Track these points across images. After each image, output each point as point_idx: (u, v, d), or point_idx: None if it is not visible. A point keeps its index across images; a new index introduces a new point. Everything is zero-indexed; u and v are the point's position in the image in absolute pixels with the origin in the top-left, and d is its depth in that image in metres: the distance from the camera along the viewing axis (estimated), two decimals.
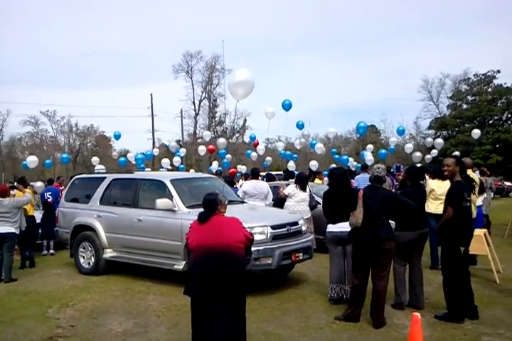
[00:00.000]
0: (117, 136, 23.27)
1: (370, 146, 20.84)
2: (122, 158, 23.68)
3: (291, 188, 8.66)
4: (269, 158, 21.65)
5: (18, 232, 7.92)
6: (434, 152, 22.13)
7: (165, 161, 20.24)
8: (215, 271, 3.83)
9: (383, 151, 20.10)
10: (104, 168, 15.29)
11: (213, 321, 3.82)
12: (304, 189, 8.60)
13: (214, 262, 3.86)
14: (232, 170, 18.47)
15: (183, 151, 21.01)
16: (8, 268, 7.74)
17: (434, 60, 63.98)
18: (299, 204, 8.48)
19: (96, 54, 72.61)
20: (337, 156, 18.73)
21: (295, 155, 22.92)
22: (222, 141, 19.66)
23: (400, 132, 24.07)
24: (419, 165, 14.56)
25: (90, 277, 7.75)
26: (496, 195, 20.20)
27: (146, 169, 15.18)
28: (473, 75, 40.61)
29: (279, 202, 8.92)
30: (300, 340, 4.79)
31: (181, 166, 22.86)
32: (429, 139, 22.81)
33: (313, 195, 9.07)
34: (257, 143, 22.35)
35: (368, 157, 16.96)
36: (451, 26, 67.68)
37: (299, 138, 19.43)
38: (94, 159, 21.87)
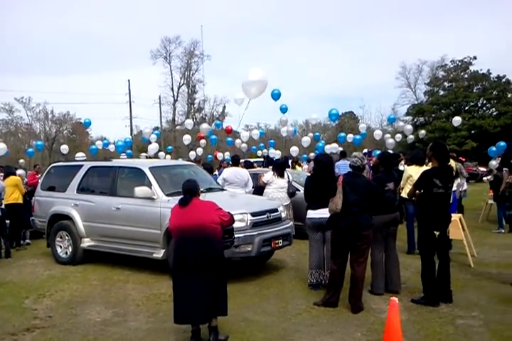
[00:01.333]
0: (87, 124, 22.86)
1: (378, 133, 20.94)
2: (93, 146, 23.14)
3: (269, 175, 8.67)
4: (244, 145, 21.54)
5: None
6: (411, 138, 22.36)
7: (152, 147, 19.66)
8: (190, 250, 4.25)
9: (358, 137, 20.26)
10: (84, 155, 15.07)
11: (189, 293, 4.23)
12: (281, 175, 8.62)
13: (190, 241, 4.27)
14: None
15: (153, 138, 20.57)
16: None
17: (413, 47, 64.32)
18: (277, 191, 8.51)
19: (72, 39, 70.99)
20: (320, 145, 18.82)
21: (272, 141, 22.91)
22: (205, 126, 19.53)
23: (391, 120, 24.36)
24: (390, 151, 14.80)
25: (68, 267, 7.66)
26: (470, 180, 20.57)
27: (122, 156, 15.01)
28: (450, 61, 40.99)
29: (259, 189, 8.94)
30: (280, 326, 4.83)
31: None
32: (409, 126, 22.94)
33: (292, 182, 9.09)
34: (230, 130, 22.00)
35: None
36: (430, 12, 68.05)
37: (280, 124, 19.40)
38: (63, 147, 21.41)
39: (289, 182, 8.69)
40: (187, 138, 22.24)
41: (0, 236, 8.73)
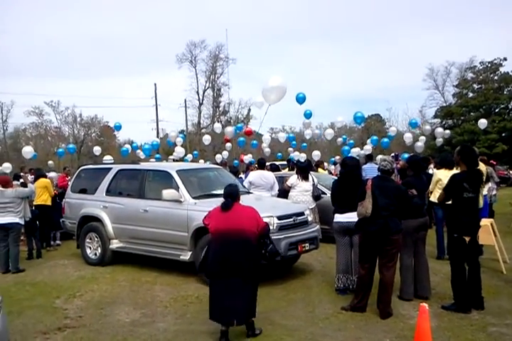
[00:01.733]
0: (118, 127, 23.22)
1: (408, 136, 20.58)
2: (125, 148, 23.64)
3: (293, 179, 8.64)
4: (267, 150, 21.53)
5: (22, 223, 7.95)
6: (439, 141, 21.95)
7: (179, 150, 19.99)
8: (229, 252, 4.42)
9: (386, 140, 19.99)
10: (112, 158, 15.34)
11: (225, 295, 4.43)
12: (305, 178, 8.55)
13: (229, 244, 4.44)
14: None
15: (178, 141, 20.79)
16: (15, 259, 7.79)
17: (440, 48, 63.35)
18: (302, 194, 8.43)
19: (100, 44, 72.35)
20: (346, 148, 18.63)
21: (304, 144, 22.78)
22: (229, 129, 19.64)
23: (413, 125, 23.87)
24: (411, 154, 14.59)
25: (97, 268, 7.80)
26: (501, 184, 20.08)
27: (151, 160, 15.22)
28: (480, 63, 40.14)
29: (284, 192, 8.91)
30: (307, 330, 4.80)
31: (186, 158, 22.81)
32: (440, 129, 22.49)
33: (318, 185, 9.01)
34: (250, 131, 21.80)
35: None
36: (457, 13, 66.87)
37: (304, 126, 19.30)
38: (96, 149, 21.91)
39: (313, 185, 8.61)
40: (207, 139, 22.37)
41: (31, 237, 8.94)
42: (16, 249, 7.85)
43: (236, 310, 4.43)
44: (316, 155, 19.20)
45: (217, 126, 22.41)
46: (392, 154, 15.62)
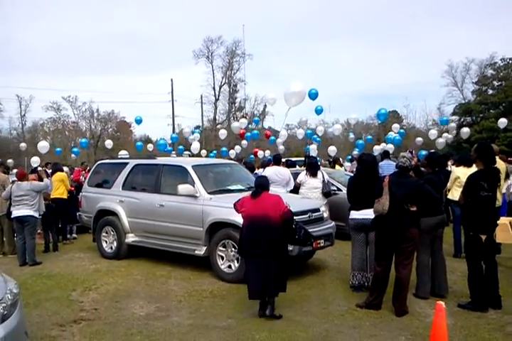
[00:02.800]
0: (138, 121, 23.41)
1: (396, 126, 20.46)
2: (139, 143, 23.95)
3: (301, 175, 8.58)
4: (281, 147, 21.52)
5: (37, 216, 8.06)
6: (450, 138, 21.75)
7: (194, 146, 20.23)
8: (256, 235, 5.01)
9: (397, 137, 19.81)
10: (127, 153, 15.45)
11: (257, 272, 5.02)
12: (314, 175, 8.49)
13: (258, 228, 5.01)
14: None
15: (195, 137, 20.95)
16: (31, 251, 7.90)
17: (459, 45, 62.37)
18: (310, 191, 8.37)
19: (118, 40, 72.81)
20: (361, 142, 18.54)
21: (318, 139, 22.68)
22: (243, 120, 19.69)
23: (444, 122, 23.64)
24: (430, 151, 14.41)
25: (112, 261, 7.87)
26: None
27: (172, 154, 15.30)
28: (500, 60, 39.39)
29: (295, 189, 8.86)
30: (322, 327, 4.78)
31: (212, 154, 23.01)
32: (452, 124, 22.34)
33: (330, 181, 8.92)
34: (269, 135, 21.99)
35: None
36: (477, 9, 65.76)
37: (320, 124, 19.33)
38: (108, 142, 22.18)
39: (323, 181, 8.53)
40: (223, 133, 22.40)
41: (48, 231, 9.05)
42: (32, 242, 7.95)
43: (267, 285, 4.98)
44: (332, 150, 19.11)
45: (243, 122, 22.26)
46: (408, 151, 15.46)
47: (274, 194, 5.34)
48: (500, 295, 5.21)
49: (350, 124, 41.71)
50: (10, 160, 20.36)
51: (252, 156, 20.77)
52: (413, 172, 7.85)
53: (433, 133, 21.00)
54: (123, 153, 15.46)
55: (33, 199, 7.94)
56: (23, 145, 27.13)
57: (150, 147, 22.42)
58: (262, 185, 5.29)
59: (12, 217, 7.98)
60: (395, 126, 21.17)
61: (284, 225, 5.07)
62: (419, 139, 20.45)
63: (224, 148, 23.46)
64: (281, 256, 5.07)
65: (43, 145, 18.45)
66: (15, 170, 10.79)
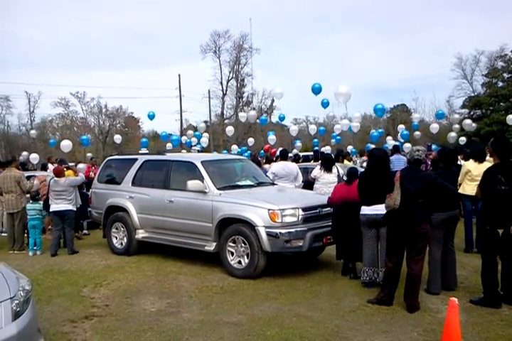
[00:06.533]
0: (151, 116, 23.38)
1: (402, 126, 20.41)
2: (144, 139, 24.04)
3: (316, 170, 8.54)
4: (299, 144, 21.49)
5: (75, 209, 8.44)
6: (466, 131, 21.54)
7: (204, 140, 20.46)
8: (350, 213, 6.04)
9: (405, 132, 19.71)
10: (147, 152, 15.52)
11: (347, 241, 6.24)
12: (329, 170, 8.44)
13: (350, 208, 6.03)
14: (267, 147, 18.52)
15: (194, 141, 21.18)
16: (70, 242, 8.37)
17: (469, 37, 61.67)
18: (326, 186, 8.31)
19: (124, 35, 72.83)
20: (375, 133, 18.51)
21: (338, 137, 22.63)
22: (252, 113, 19.72)
23: (439, 116, 23.36)
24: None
25: (123, 257, 7.89)
26: None
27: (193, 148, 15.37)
28: (511, 51, 38.99)
29: (308, 184, 8.82)
30: (333, 323, 4.76)
31: (225, 151, 23.14)
32: (457, 116, 22.16)
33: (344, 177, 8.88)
34: (274, 152, 20.89)
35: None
36: (487, 1, 64.92)
37: (327, 117, 19.33)
38: (117, 137, 22.32)
39: (338, 176, 8.49)
40: (230, 130, 22.43)
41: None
42: (70, 234, 8.40)
43: (354, 253, 6.16)
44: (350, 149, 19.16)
45: (242, 115, 22.43)
46: (426, 144, 15.41)
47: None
48: None
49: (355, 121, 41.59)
50: (25, 153, 20.55)
51: (262, 152, 20.67)
52: (432, 166, 7.79)
53: (434, 127, 20.80)
54: (143, 151, 15.54)
55: (70, 194, 8.33)
56: (33, 132, 28.01)
57: (169, 146, 22.55)
58: (353, 173, 6.37)
59: (51, 211, 8.32)
60: (434, 127, 20.86)
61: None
62: (453, 135, 20.01)
63: (243, 147, 23.38)
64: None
65: (66, 144, 18.83)
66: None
